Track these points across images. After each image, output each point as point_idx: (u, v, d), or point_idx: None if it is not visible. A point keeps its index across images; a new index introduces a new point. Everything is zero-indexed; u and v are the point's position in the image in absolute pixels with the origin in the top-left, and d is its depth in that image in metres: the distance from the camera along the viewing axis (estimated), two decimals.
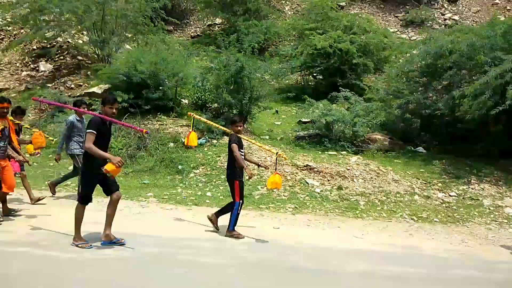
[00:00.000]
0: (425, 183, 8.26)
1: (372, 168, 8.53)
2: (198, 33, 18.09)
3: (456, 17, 17.13)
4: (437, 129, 10.28)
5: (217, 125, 6.78)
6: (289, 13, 18.31)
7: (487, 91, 8.25)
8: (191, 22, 19.10)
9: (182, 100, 11.36)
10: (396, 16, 17.67)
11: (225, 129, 6.28)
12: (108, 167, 4.28)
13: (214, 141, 9.37)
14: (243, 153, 5.51)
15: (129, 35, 13.79)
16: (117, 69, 10.32)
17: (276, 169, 5.68)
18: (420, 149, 9.96)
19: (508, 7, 16.64)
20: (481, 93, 8.34)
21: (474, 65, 9.19)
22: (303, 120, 11.27)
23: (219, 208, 5.74)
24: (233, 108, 10.34)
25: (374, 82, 12.59)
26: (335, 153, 9.30)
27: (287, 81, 14.82)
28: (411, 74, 10.81)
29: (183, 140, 9.20)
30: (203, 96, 10.96)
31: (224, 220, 5.46)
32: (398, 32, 16.60)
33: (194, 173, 8.28)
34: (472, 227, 6.69)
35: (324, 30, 13.40)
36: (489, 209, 7.49)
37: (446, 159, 9.20)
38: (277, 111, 12.23)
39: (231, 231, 5.35)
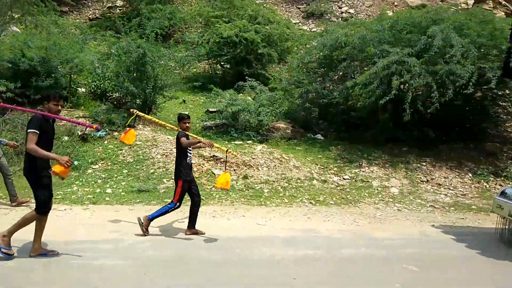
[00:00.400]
0: (323, 168, 8.83)
1: (276, 156, 8.85)
2: (97, 16, 16.85)
3: (351, 11, 18.35)
4: (333, 117, 11.05)
5: (164, 124, 6.45)
6: None
7: (375, 81, 9.02)
8: (89, 3, 17.71)
9: (78, 88, 10.54)
10: (298, 8, 18.37)
11: (172, 127, 6.04)
12: (56, 168, 3.99)
13: (116, 133, 8.89)
14: (190, 152, 5.42)
15: (16, 16, 12.31)
16: (1, 55, 9.17)
17: (226, 168, 5.80)
18: (319, 136, 10.61)
19: (395, 3, 18.30)
20: (370, 82, 9.10)
21: (365, 57, 9.99)
22: (211, 109, 11.25)
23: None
24: (136, 98, 9.90)
25: (278, 72, 13.02)
26: (241, 142, 9.46)
27: (195, 70, 14.62)
28: (311, 65, 11.40)
29: (79, 133, 8.58)
30: (102, 85, 10.31)
31: (183, 224, 5.23)
32: (300, 24, 17.29)
33: (93, 168, 7.78)
34: (363, 207, 7.35)
35: (230, 19, 13.44)
36: (377, 189, 8.30)
37: (341, 145, 9.94)
38: (184, 101, 12.01)
39: (149, 220, 5.22)
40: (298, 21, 17.62)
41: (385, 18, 10.56)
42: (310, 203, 7.42)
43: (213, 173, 8.00)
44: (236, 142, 9.42)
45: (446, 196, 8.35)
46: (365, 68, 10.27)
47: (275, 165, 8.52)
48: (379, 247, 5.39)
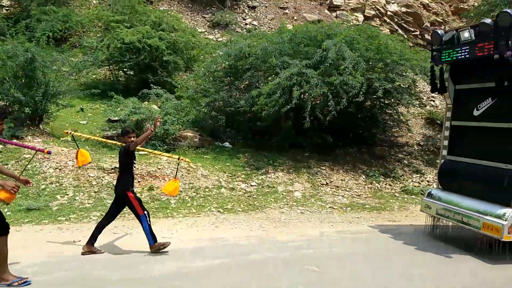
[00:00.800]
0: (231, 176, 8.90)
1: (183, 166, 8.68)
2: None
3: (255, 23, 18.96)
4: (240, 125, 11.25)
5: (103, 140, 6.51)
6: (94, 1, 16.94)
7: (278, 91, 9.42)
8: None
9: None
10: (204, 17, 18.42)
11: (112, 141, 6.30)
12: (1, 194, 3.85)
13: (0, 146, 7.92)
14: (135, 164, 5.38)
15: None
16: None
17: (176, 175, 5.84)
18: (227, 144, 10.70)
19: (295, 17, 19.35)
20: (274, 92, 9.47)
21: (268, 67, 10.37)
22: (112, 118, 10.63)
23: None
24: (24, 106, 8.97)
25: (185, 80, 12.87)
26: (145, 153, 9.09)
27: (94, 76, 13.76)
28: (217, 73, 11.47)
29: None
30: None
31: None
32: (206, 33, 17.33)
33: None
34: (269, 212, 7.56)
35: (132, 24, 12.95)
36: (282, 194, 8.61)
37: (248, 152, 10.14)
38: (82, 109, 11.21)
39: (153, 245, 5.09)
40: (204, 30, 17.64)
41: (284, 31, 11.09)
42: (218, 211, 7.41)
43: None
44: (140, 153, 9.02)
45: (343, 197, 8.99)
46: (269, 78, 10.67)
47: (182, 175, 8.35)
48: (283, 250, 5.57)
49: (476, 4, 15.51)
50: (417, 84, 12.14)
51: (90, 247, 5.06)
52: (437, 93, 7.21)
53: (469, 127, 6.47)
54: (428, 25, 20.55)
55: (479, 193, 5.99)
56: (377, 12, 19.33)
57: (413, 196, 9.65)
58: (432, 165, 11.56)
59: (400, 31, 19.28)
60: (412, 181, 10.56)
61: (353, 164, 10.85)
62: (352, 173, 10.36)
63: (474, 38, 5.91)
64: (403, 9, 20.13)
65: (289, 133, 10.62)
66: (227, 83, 11.67)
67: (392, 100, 11.33)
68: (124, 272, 4.58)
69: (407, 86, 11.29)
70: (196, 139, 10.43)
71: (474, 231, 5.91)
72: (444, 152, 6.89)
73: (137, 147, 5.37)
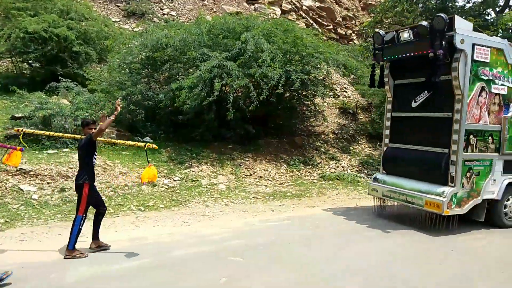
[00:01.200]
0: None
1: (99, 164, 8.21)
2: None
3: (173, 13, 18.45)
4: (161, 119, 10.91)
5: (59, 134, 6.19)
6: None
7: (200, 84, 9.30)
8: None
9: None
10: (118, 6, 17.48)
11: (74, 136, 5.97)
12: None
13: None
14: (96, 156, 5.25)
15: None
16: None
17: (148, 161, 5.65)
18: (148, 139, 10.32)
19: (214, 9, 19.21)
20: (195, 85, 9.32)
21: (188, 59, 10.16)
22: (16, 115, 9.66)
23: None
24: None
25: (98, 73, 12.12)
26: (55, 151, 8.43)
27: None
28: (133, 65, 10.98)
29: None
30: None
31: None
32: (120, 22, 16.48)
33: None
34: (193, 207, 7.47)
35: (37, 12, 11.85)
36: (206, 187, 8.57)
37: (170, 146, 9.90)
38: None
39: (71, 250, 4.87)
40: (118, 20, 16.74)
41: (202, 23, 10.94)
42: (139, 209, 7.13)
43: (21, 189, 6.90)
44: (49, 151, 8.36)
45: (266, 187, 9.21)
46: (190, 71, 10.48)
47: (97, 173, 7.88)
48: (207, 243, 5.55)
49: (382, 0, 16.71)
50: (331, 76, 12.80)
51: (97, 243, 5.19)
52: (376, 87, 7.97)
53: (408, 117, 7.24)
54: (340, 19, 21.72)
55: (420, 175, 6.77)
56: (293, 6, 19.94)
57: (330, 182, 10.21)
58: (346, 152, 12.33)
59: (315, 25, 20.12)
60: (329, 167, 11.16)
61: (275, 154, 11.14)
62: (274, 162, 10.65)
63: (412, 38, 6.62)
64: (317, 4, 21.01)
65: (212, 125, 10.56)
66: (145, 75, 11.25)
67: (309, 91, 11.81)
68: (31, 283, 4.21)
69: (322, 78, 11.84)
70: (113, 135, 9.89)
71: (418, 208, 6.70)
72: (386, 141, 7.66)
73: (98, 138, 5.25)
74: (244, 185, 9.07)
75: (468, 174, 6.45)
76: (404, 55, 6.81)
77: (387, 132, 7.64)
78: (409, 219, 7.23)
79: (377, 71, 8.09)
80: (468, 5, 12.81)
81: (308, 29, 14.35)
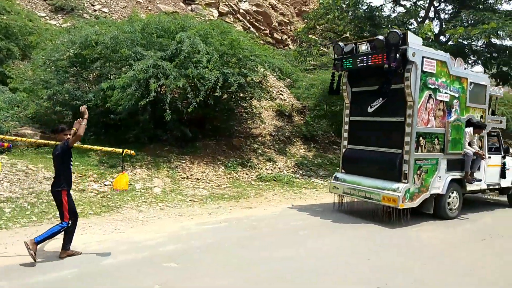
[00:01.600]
0: (81, 176, 8.13)
1: (20, 168, 7.59)
2: None
3: (105, 10, 17.64)
4: (91, 120, 10.28)
5: (31, 140, 6.06)
6: None
7: (134, 84, 8.95)
8: None
9: None
10: (44, 0, 16.32)
11: (48, 142, 5.67)
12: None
13: None
14: (71, 161, 5.13)
15: None
16: None
17: (123, 168, 5.83)
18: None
19: (149, 8, 18.67)
20: (129, 85, 8.96)
21: (120, 58, 9.74)
22: None
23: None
24: None
25: (21, 70, 11.20)
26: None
27: None
28: (61, 63, 10.29)
29: None
30: None
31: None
32: (47, 18, 15.41)
33: None
34: (125, 212, 7.14)
35: None
36: (140, 192, 8.25)
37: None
38: None
39: (35, 242, 4.77)
40: (45, 15, 15.64)
41: (135, 20, 10.56)
42: None
43: None
44: None
45: (204, 189, 9.10)
46: (123, 70, 10.06)
47: (19, 179, 7.28)
48: (140, 249, 5.32)
49: (315, 7, 17.35)
50: (267, 79, 13.00)
51: (67, 252, 5.00)
52: (335, 94, 8.49)
53: (365, 121, 7.87)
54: (276, 24, 22.20)
55: (377, 173, 7.41)
56: (230, 9, 20.00)
57: (267, 183, 10.35)
58: (282, 153, 12.58)
59: (252, 29, 20.36)
60: (266, 169, 11.31)
61: (212, 156, 11.06)
62: (212, 164, 10.56)
63: (369, 50, 7.29)
64: (254, 8, 21.28)
65: (147, 127, 10.22)
66: (73, 74, 10.60)
67: (246, 94, 11.89)
68: None
69: (259, 81, 11.98)
70: (37, 137, 9.17)
71: (376, 203, 7.36)
72: (345, 143, 8.27)
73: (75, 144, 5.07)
74: (180, 188, 8.88)
75: (418, 172, 7.17)
76: (362, 65, 7.40)
77: (346, 135, 8.26)
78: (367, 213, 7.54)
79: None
80: (393, 15, 13.74)
81: (245, 32, 14.45)
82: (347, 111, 8.25)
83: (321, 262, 5.07)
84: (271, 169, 11.43)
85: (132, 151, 5.85)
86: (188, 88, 9.46)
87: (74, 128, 5.02)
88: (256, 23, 21.51)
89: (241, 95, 12.04)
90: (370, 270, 4.89)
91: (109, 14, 17.20)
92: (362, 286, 4.41)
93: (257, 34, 19.66)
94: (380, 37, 7.19)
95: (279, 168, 11.62)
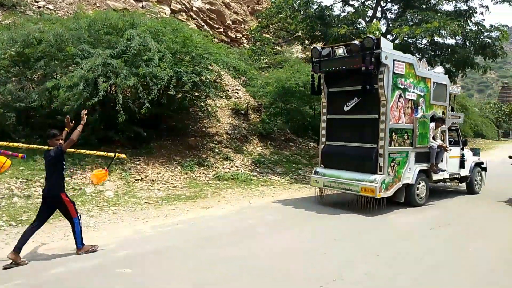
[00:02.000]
0: (26, 182, 7.70)
1: None
2: None
3: (50, 7, 16.74)
4: (36, 122, 9.79)
5: (24, 145, 5.94)
6: None
7: (81, 83, 8.57)
8: None
9: None
10: None
11: (41, 147, 5.42)
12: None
13: None
14: (65, 165, 5.25)
15: None
16: None
17: (108, 167, 6.13)
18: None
19: (97, 4, 17.95)
20: (76, 84, 8.57)
21: (66, 56, 9.30)
22: None
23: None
24: None
25: None
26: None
27: None
28: (1, 62, 9.67)
29: None
30: None
31: None
32: None
33: None
34: None
35: None
36: (91, 196, 7.92)
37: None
38: None
39: (81, 248, 5.14)
40: None
41: (81, 17, 10.13)
42: (10, 225, 6.29)
43: None
44: None
45: (159, 191, 8.90)
46: (70, 68, 9.62)
47: None
48: (91, 257, 5.10)
49: (268, 6, 17.48)
50: (222, 77, 12.95)
51: (15, 256, 4.74)
52: (316, 94, 9.04)
53: (342, 119, 8.42)
54: (230, 23, 22.15)
55: (354, 167, 7.98)
56: (183, 6, 19.70)
57: (225, 182, 10.31)
58: (239, 152, 12.59)
59: (206, 27, 20.17)
60: (223, 167, 11.26)
61: (168, 156, 10.85)
62: (167, 165, 10.35)
63: (346, 54, 7.89)
64: (207, 6, 21.10)
65: (97, 127, 9.82)
66: (16, 74, 9.99)
67: (201, 93, 11.77)
68: None
69: (213, 79, 11.90)
70: None
71: (355, 194, 7.97)
72: (323, 139, 8.77)
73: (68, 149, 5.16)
74: (134, 191, 8.63)
75: (392, 164, 7.83)
76: (339, 68, 8.05)
77: (324, 132, 8.77)
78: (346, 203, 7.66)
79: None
80: (343, 14, 14.11)
81: (197, 30, 14.28)
82: (324, 110, 8.77)
83: (278, 260, 5.11)
84: (228, 168, 11.39)
85: (123, 155, 6.20)
86: (140, 87, 9.21)
87: (66, 129, 5.29)
88: (210, 21, 21.33)
89: (196, 94, 11.90)
90: (321, 265, 4.99)
91: (55, 11, 16.35)
92: (312, 281, 4.48)
93: (211, 32, 19.50)
94: (356, 42, 7.81)
95: (236, 167, 11.61)
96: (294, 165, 12.95)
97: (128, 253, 5.26)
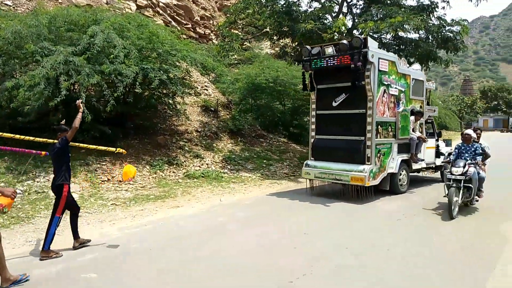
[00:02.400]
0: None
1: None
2: None
3: (9, 3, 15.97)
4: None
5: (30, 138, 6.08)
6: None
7: (42, 82, 8.24)
8: None
9: None
10: None
11: (51, 140, 5.74)
12: (2, 200, 3.89)
13: None
14: (69, 158, 5.40)
15: None
16: None
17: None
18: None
19: (60, 0, 17.29)
20: (37, 84, 8.23)
21: (25, 54, 8.90)
22: None
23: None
24: None
25: None
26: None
27: None
28: None
29: None
30: None
31: None
32: None
33: None
34: (38, 223, 6.55)
35: None
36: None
37: (8, 155, 8.55)
38: None
39: (46, 250, 5.04)
40: None
41: (41, 13, 9.71)
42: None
43: None
44: None
45: (127, 192, 8.69)
46: (30, 66, 9.23)
47: None
48: (55, 262, 4.91)
49: (235, 1, 17.35)
50: (191, 74, 12.77)
51: (79, 240, 5.42)
52: (308, 91, 9.48)
53: (330, 114, 8.94)
54: (198, 19, 21.87)
55: (344, 158, 8.51)
56: (149, 2, 19.29)
57: (195, 180, 10.20)
58: (209, 149, 12.48)
59: (173, 23, 19.83)
60: (193, 165, 11.13)
61: (136, 155, 10.62)
62: (135, 165, 10.13)
63: (335, 53, 8.42)
64: (174, 2, 20.75)
65: None
66: None
67: (169, 90, 11.57)
68: None
69: (181, 76, 11.71)
70: None
71: (346, 184, 8.49)
72: (313, 133, 9.31)
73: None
74: (101, 192, 8.39)
75: (378, 155, 8.42)
76: (328, 66, 8.48)
77: (313, 126, 9.29)
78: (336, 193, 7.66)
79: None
80: (309, 10, 14.19)
81: (164, 26, 13.99)
82: (314, 106, 9.29)
83: (249, 256, 5.08)
84: (199, 166, 11.27)
85: (123, 150, 6.37)
86: (104, 85, 8.93)
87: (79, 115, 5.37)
88: (177, 17, 20.98)
89: (164, 91, 11.68)
90: (290, 261, 5.00)
91: (13, 7, 15.61)
92: (279, 277, 4.49)
93: (179, 28, 19.19)
94: (344, 41, 8.38)
95: (207, 164, 11.51)
96: (265, 161, 12.97)
97: (94, 256, 5.10)
